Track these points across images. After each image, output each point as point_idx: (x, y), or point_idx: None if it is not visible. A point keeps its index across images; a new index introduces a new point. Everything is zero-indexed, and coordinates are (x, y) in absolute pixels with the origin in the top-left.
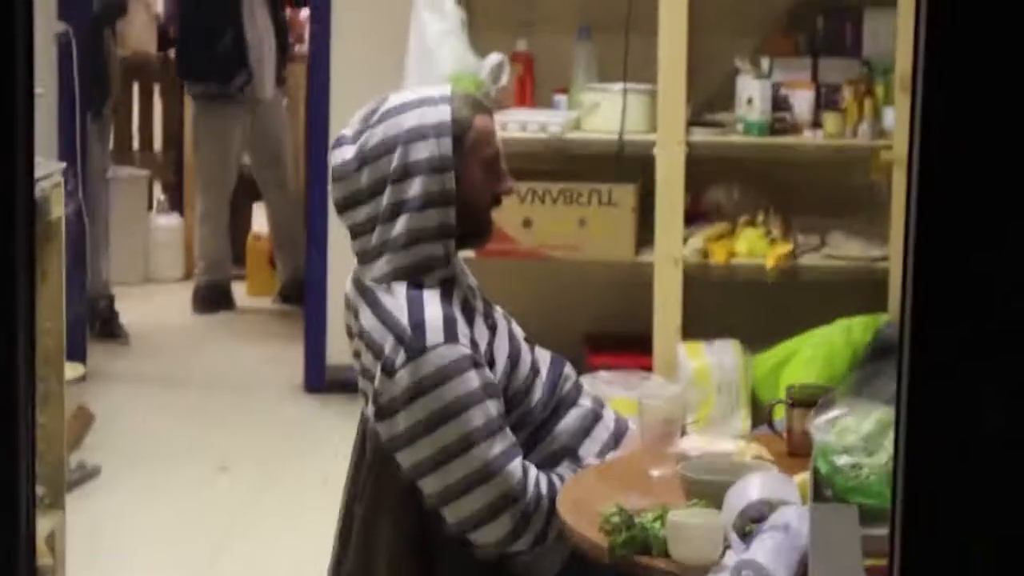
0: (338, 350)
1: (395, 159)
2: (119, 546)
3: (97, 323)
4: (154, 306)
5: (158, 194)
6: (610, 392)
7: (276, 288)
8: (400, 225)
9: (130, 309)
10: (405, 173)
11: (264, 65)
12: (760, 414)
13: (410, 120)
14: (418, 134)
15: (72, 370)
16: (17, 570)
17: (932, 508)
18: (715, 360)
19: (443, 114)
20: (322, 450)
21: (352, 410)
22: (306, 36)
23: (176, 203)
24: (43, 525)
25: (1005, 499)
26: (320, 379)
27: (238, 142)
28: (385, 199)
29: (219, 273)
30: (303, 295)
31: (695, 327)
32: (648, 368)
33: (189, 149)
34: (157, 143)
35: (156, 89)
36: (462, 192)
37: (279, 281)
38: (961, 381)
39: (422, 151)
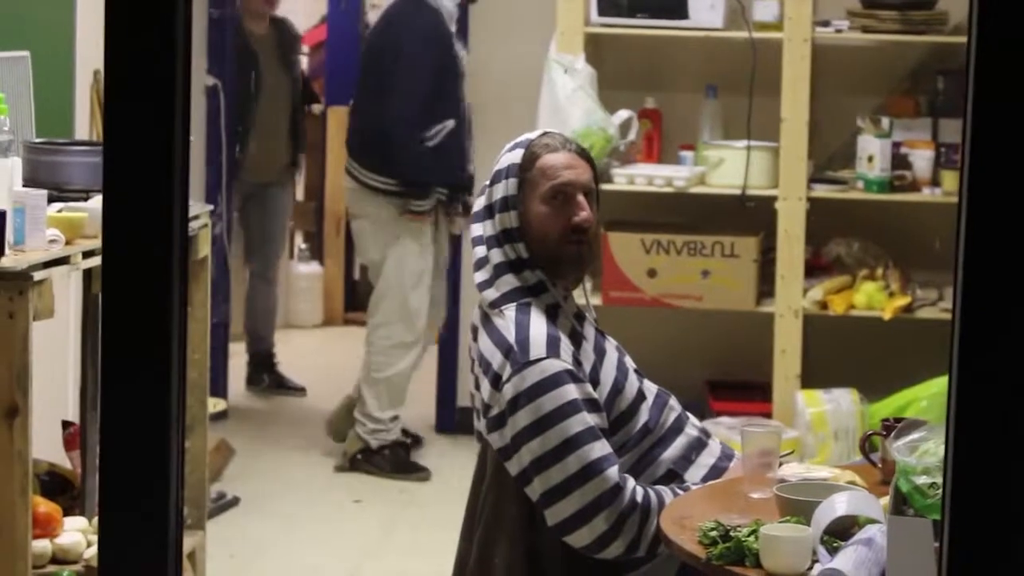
0: (468, 392)
1: (484, 199)
2: (256, 569)
3: (265, 376)
4: (292, 349)
5: (299, 242)
6: (732, 437)
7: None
8: (492, 257)
9: None
10: (490, 211)
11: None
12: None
13: (500, 163)
14: (498, 175)
15: (214, 405)
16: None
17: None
18: (832, 407)
19: (516, 157)
20: (451, 488)
21: None
22: None
23: (316, 251)
24: (185, 543)
25: None
26: (451, 420)
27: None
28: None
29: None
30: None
31: (814, 376)
32: (768, 415)
33: (329, 200)
34: (299, 194)
35: None
36: (531, 226)
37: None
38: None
39: (499, 191)
